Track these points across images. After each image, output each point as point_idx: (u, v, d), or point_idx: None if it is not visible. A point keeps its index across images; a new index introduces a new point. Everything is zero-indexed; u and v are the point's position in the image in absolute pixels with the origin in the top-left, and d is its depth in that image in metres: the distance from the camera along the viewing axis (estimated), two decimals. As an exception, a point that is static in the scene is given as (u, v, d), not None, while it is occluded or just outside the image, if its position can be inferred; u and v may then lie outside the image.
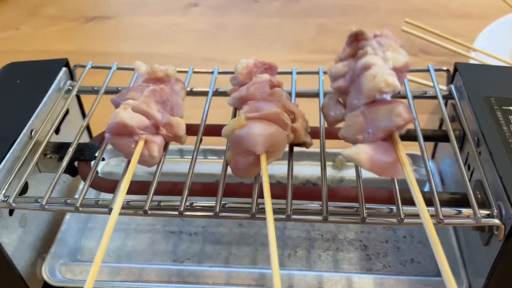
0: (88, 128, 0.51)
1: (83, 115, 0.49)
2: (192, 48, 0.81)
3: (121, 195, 0.31)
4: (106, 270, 0.42)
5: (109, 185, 0.38)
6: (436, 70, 0.43)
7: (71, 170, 0.41)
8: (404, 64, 0.32)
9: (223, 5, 0.93)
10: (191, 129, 0.40)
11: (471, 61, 0.59)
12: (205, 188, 0.38)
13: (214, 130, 0.42)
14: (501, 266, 0.34)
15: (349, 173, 0.50)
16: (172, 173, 0.49)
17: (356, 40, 0.35)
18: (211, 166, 0.51)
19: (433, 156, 0.51)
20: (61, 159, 0.41)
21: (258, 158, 0.33)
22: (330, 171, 0.50)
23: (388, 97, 0.31)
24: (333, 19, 0.86)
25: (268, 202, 0.30)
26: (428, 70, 0.43)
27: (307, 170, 0.50)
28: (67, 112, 0.46)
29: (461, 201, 0.36)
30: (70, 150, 0.38)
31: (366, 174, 0.32)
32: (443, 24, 0.83)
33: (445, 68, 0.44)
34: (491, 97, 0.39)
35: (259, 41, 0.83)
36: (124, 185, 0.32)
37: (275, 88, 0.38)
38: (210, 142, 0.46)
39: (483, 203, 0.34)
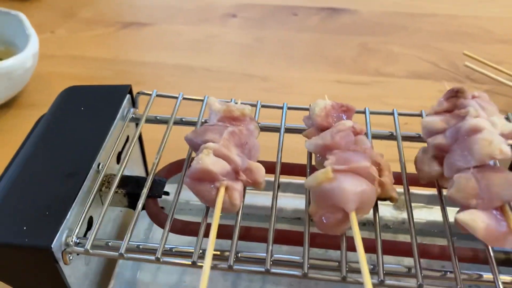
0: (142, 151, 0.50)
1: (141, 143, 0.48)
2: (232, 61, 0.80)
3: (210, 251, 0.30)
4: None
5: (180, 225, 0.37)
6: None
7: (134, 204, 0.40)
8: (510, 131, 0.31)
9: (262, 17, 0.91)
10: (265, 167, 0.39)
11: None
12: (290, 236, 0.36)
13: (291, 171, 0.41)
14: None
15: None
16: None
17: (456, 96, 0.33)
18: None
19: None
20: (127, 194, 0.39)
21: (347, 215, 0.32)
22: (392, 212, 0.48)
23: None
24: (375, 37, 0.85)
25: (363, 264, 0.29)
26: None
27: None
28: (126, 140, 0.44)
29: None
30: (145, 189, 0.36)
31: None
32: (486, 49, 0.82)
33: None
34: None
35: (300, 57, 0.81)
36: (211, 241, 0.31)
37: (358, 135, 0.36)
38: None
39: None
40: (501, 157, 0.29)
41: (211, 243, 0.30)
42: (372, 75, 0.77)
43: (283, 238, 0.36)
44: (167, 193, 0.41)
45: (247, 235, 0.36)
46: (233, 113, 0.38)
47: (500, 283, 0.30)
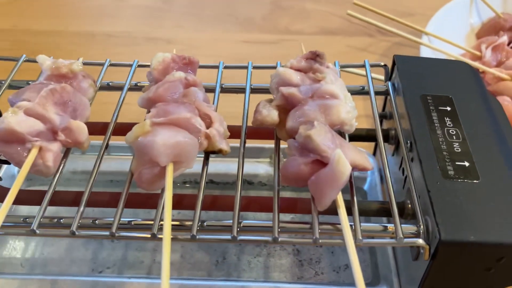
0: None
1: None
2: (137, 25, 0.76)
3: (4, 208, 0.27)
4: (14, 283, 0.38)
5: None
6: (372, 65, 0.40)
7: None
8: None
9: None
10: (98, 129, 0.37)
11: (423, 48, 0.56)
12: (112, 198, 0.34)
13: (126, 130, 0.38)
14: (430, 280, 0.32)
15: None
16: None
17: (314, 59, 0.33)
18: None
19: (374, 152, 0.48)
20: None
21: (164, 169, 0.30)
22: (267, 168, 0.46)
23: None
24: (289, -6, 0.82)
25: (167, 220, 0.27)
26: (363, 66, 0.40)
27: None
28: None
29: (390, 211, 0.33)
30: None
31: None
32: (401, 1, 0.80)
33: (382, 63, 0.40)
34: (428, 96, 0.36)
35: (209, 18, 0.78)
36: (8, 198, 0.28)
37: (190, 87, 0.34)
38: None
39: (413, 214, 0.32)
40: (350, 129, 0.32)
41: (5, 204, 0.28)
42: (282, 33, 0.74)
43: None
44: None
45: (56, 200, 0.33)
46: (60, 70, 0.35)
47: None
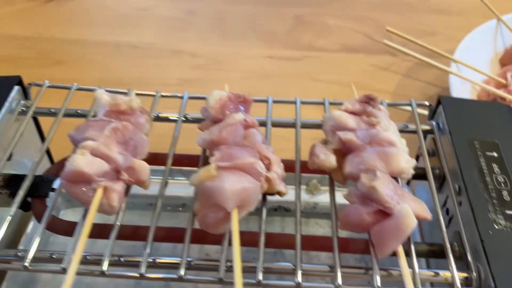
0: (48, 151, 0.47)
1: (41, 136, 0.45)
2: (161, 37, 0.77)
3: (77, 254, 0.28)
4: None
5: (65, 227, 0.35)
6: (418, 105, 0.41)
7: (23, 204, 0.38)
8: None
9: (195, -12, 0.87)
10: (157, 159, 0.37)
11: (451, 78, 0.57)
12: (170, 234, 0.35)
13: (183, 162, 0.39)
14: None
15: (323, 199, 0.48)
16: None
17: (368, 103, 0.34)
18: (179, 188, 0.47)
19: (408, 182, 0.49)
20: (12, 194, 0.37)
21: (228, 213, 0.31)
22: (304, 196, 0.48)
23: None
24: (311, 9, 0.83)
25: (237, 264, 0.28)
26: (409, 104, 0.41)
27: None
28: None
29: (438, 253, 0.35)
30: (25, 186, 0.34)
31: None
32: (423, 20, 0.81)
33: (427, 103, 0.41)
34: (475, 140, 0.37)
35: (233, 32, 0.78)
36: (80, 244, 0.29)
37: (249, 129, 0.35)
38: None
39: (460, 257, 0.33)
40: (407, 178, 0.33)
41: (79, 248, 0.29)
42: (305, 49, 0.75)
43: (168, 235, 0.35)
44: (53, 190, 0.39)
45: (124, 235, 0.34)
46: (120, 106, 0.36)
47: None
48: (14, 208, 0.33)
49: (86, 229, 0.30)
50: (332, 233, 0.32)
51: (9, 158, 0.41)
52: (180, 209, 0.48)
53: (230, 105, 0.37)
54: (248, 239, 0.33)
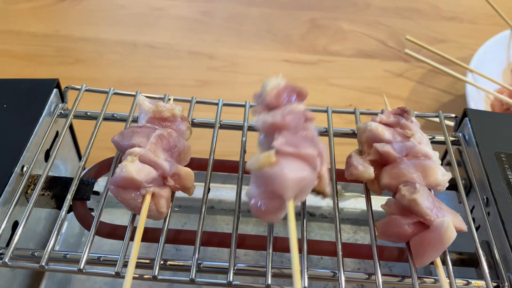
0: (76, 145, 0.48)
1: (73, 138, 0.46)
2: (178, 38, 0.77)
3: (132, 263, 0.29)
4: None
5: (108, 230, 0.36)
6: (445, 117, 0.42)
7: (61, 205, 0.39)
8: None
9: (210, -11, 0.88)
10: (198, 165, 0.38)
11: (468, 87, 0.59)
12: (218, 240, 0.36)
13: (223, 167, 0.40)
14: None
15: (346, 204, 0.49)
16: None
17: (402, 115, 0.36)
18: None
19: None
20: (54, 196, 0.38)
21: (283, 202, 0.30)
22: (328, 201, 0.49)
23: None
24: (325, 13, 0.84)
25: (295, 259, 0.28)
26: (437, 116, 0.42)
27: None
28: (55, 136, 0.43)
29: (467, 261, 0.36)
30: (69, 194, 0.35)
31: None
32: (434, 27, 0.83)
33: (453, 115, 0.43)
34: (501, 153, 0.39)
35: (249, 34, 0.79)
36: (134, 251, 0.30)
37: (308, 122, 0.35)
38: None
39: (490, 266, 0.35)
40: (442, 190, 0.34)
41: (134, 255, 0.30)
42: (320, 53, 0.76)
43: (211, 241, 0.36)
44: (97, 193, 0.40)
45: (177, 238, 0.36)
46: (163, 114, 0.37)
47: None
48: (63, 212, 0.34)
49: (139, 234, 0.31)
50: (371, 242, 0.33)
51: (47, 160, 0.42)
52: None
53: (284, 94, 0.36)
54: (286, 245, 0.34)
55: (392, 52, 0.77)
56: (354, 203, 0.49)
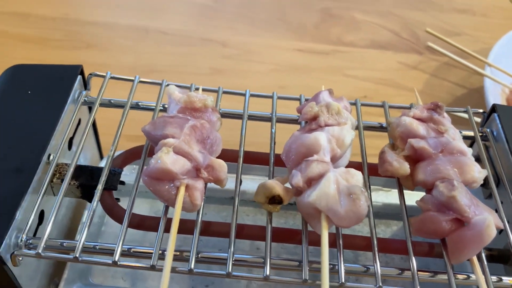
0: (96, 133, 0.47)
1: (94, 127, 0.45)
2: (190, 24, 0.76)
3: (170, 256, 0.29)
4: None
5: (137, 220, 0.36)
6: (473, 113, 0.42)
7: (89, 195, 0.38)
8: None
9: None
10: (226, 156, 0.38)
11: (487, 81, 0.59)
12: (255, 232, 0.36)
13: (253, 159, 0.40)
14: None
15: (373, 198, 0.49)
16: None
17: (435, 110, 0.35)
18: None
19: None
20: (80, 185, 0.37)
21: None
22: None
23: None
24: (338, 2, 0.83)
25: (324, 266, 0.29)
26: (465, 111, 0.42)
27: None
28: (78, 124, 0.42)
29: (497, 257, 0.36)
30: (100, 185, 0.34)
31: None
32: (447, 19, 0.82)
33: (481, 110, 0.42)
34: (531, 150, 0.39)
35: (261, 22, 0.78)
36: (171, 244, 0.30)
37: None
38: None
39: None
40: (476, 187, 0.34)
41: (170, 250, 0.29)
42: (334, 43, 0.75)
43: (244, 234, 0.35)
44: (122, 183, 0.39)
45: (208, 230, 0.35)
46: (195, 104, 0.36)
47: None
48: (95, 202, 0.33)
49: (175, 226, 0.30)
50: (406, 237, 0.33)
51: (70, 148, 0.41)
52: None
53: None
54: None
55: (405, 44, 0.77)
56: (375, 196, 0.49)
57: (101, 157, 0.49)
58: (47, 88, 0.39)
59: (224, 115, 0.41)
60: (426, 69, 0.73)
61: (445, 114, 0.38)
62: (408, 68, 0.73)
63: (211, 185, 0.35)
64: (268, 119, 0.41)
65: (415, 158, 0.35)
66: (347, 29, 0.78)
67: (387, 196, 0.48)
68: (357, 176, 0.32)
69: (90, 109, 0.44)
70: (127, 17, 0.76)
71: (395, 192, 0.47)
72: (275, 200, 0.33)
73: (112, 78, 0.41)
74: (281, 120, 0.41)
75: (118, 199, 0.38)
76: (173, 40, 0.73)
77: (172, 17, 0.77)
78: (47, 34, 0.71)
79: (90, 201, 0.39)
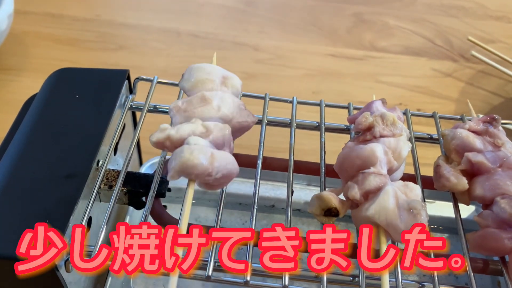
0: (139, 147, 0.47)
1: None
2: (221, 27, 0.76)
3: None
4: None
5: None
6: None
7: (136, 203, 0.38)
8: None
9: (252, -22, 0.86)
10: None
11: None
12: None
13: (302, 168, 0.39)
14: None
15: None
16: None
17: (490, 123, 0.34)
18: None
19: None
20: (128, 192, 0.37)
21: None
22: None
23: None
24: (370, 7, 0.82)
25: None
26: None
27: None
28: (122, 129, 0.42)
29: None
30: (153, 187, 0.34)
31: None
32: (481, 26, 0.81)
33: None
34: None
35: (292, 27, 0.78)
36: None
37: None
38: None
39: None
40: None
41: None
42: (367, 49, 0.75)
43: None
44: (169, 190, 0.39)
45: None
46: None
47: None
48: (148, 210, 0.33)
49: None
50: (464, 254, 0.32)
51: (115, 153, 0.41)
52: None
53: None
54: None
55: (439, 51, 0.75)
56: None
57: (141, 163, 0.49)
58: (94, 92, 0.39)
59: (270, 123, 0.40)
60: (461, 77, 0.72)
61: (501, 128, 0.37)
62: (443, 76, 0.72)
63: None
64: (313, 127, 0.40)
65: (472, 172, 0.34)
66: (379, 35, 0.77)
67: (430, 208, 0.47)
68: (416, 191, 0.31)
69: (133, 113, 0.44)
70: (159, 20, 0.75)
71: (439, 204, 0.47)
72: (331, 212, 0.32)
73: (159, 82, 0.41)
74: (330, 130, 0.40)
75: (165, 206, 0.37)
76: (205, 43, 0.73)
77: (204, 21, 0.77)
78: (79, 35, 0.71)
79: (136, 208, 0.39)
